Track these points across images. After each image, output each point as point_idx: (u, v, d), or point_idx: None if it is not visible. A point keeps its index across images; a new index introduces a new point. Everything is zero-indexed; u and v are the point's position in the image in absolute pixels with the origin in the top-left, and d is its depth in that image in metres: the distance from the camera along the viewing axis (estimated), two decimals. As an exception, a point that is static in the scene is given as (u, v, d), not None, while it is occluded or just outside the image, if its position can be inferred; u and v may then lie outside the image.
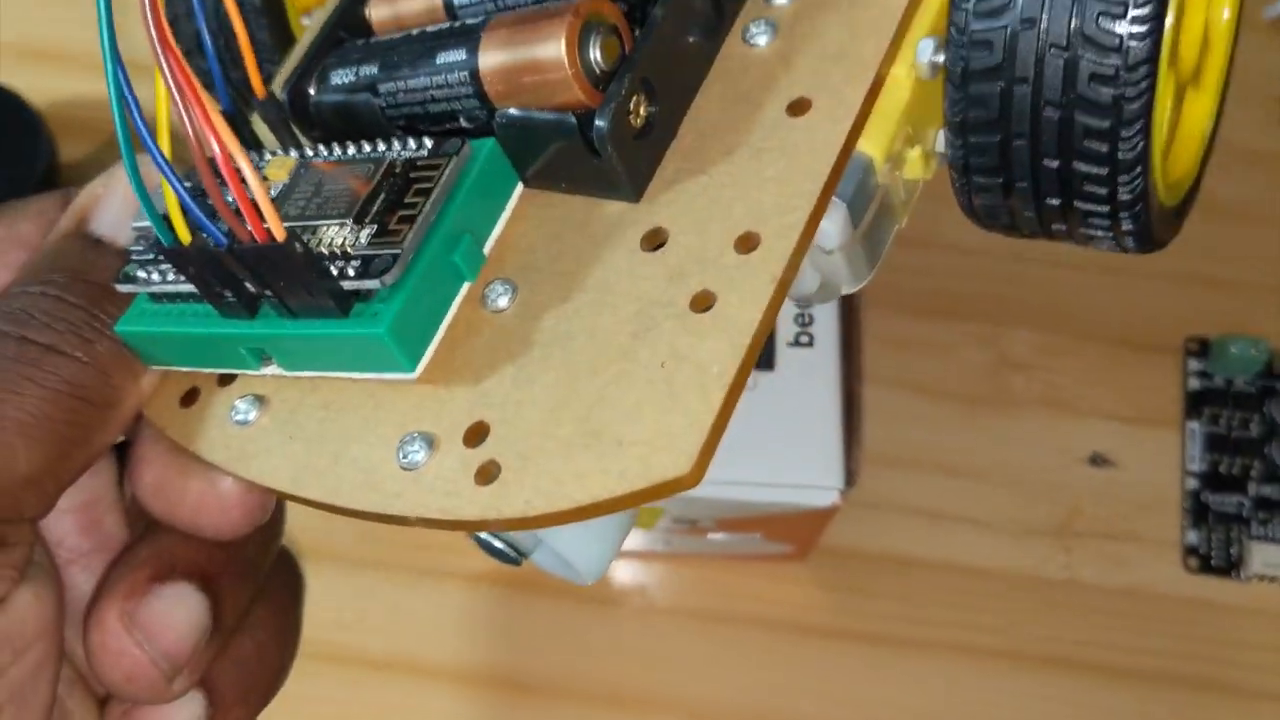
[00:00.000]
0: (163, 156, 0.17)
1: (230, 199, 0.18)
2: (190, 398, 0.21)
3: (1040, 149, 0.18)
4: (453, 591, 0.40)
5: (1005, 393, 0.43)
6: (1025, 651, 0.39)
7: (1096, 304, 0.44)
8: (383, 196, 0.19)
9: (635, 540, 0.39)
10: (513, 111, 0.19)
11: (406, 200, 0.19)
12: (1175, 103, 0.20)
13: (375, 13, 0.22)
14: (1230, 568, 0.40)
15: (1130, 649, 0.39)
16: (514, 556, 0.22)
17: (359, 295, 0.19)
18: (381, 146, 0.20)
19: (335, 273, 0.18)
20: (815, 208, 0.18)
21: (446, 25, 0.21)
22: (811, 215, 0.18)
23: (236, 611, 0.22)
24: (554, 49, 0.19)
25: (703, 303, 0.18)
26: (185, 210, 0.18)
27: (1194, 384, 0.43)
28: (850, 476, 0.33)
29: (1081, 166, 0.18)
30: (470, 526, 0.18)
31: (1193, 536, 0.41)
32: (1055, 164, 0.18)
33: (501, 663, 0.39)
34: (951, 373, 0.43)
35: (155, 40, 0.17)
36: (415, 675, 0.39)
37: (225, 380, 0.21)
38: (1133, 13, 0.17)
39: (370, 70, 0.21)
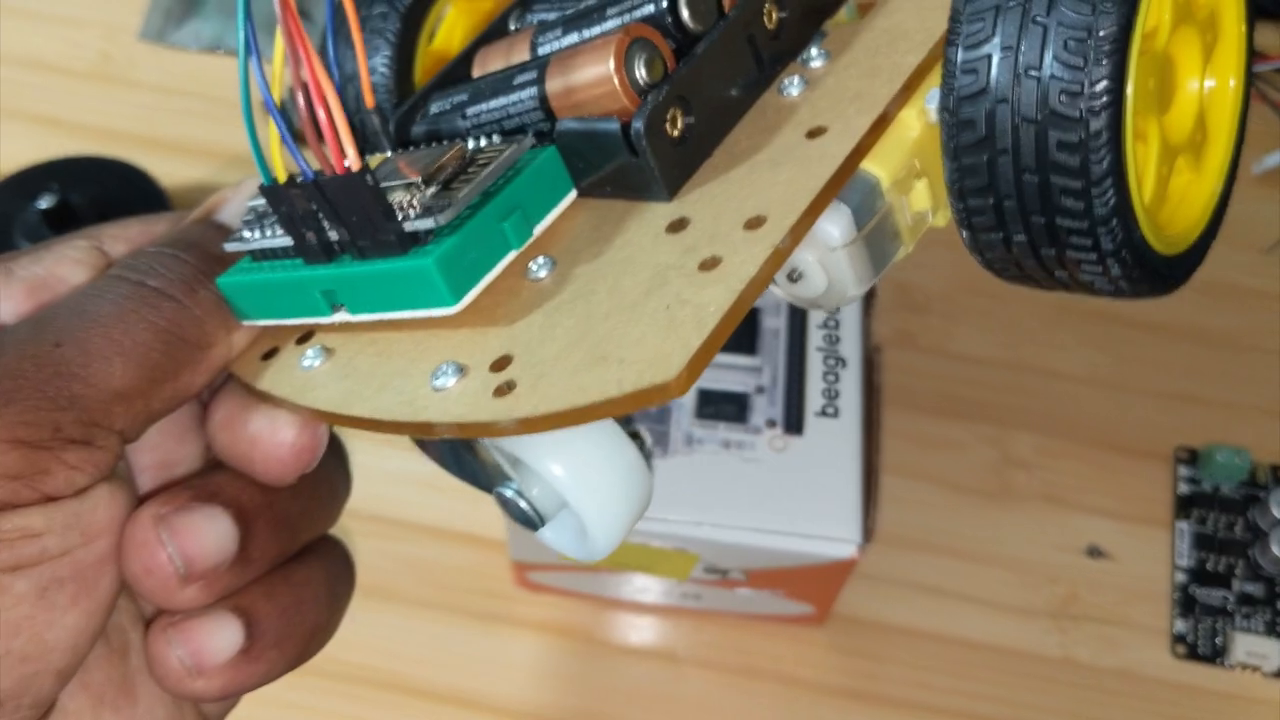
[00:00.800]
0: (271, 98, 0.20)
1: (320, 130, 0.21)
2: (270, 355, 0.24)
3: (1027, 208, 0.21)
4: (503, 635, 0.43)
5: (1009, 488, 0.47)
6: (1023, 721, 0.42)
7: (1095, 413, 0.48)
8: (450, 169, 0.22)
9: (669, 595, 0.42)
10: (569, 121, 0.23)
11: (469, 170, 0.22)
12: (1163, 164, 0.22)
13: (476, 71, 0.27)
14: (1215, 655, 0.43)
15: (1121, 725, 0.42)
16: (534, 518, 0.24)
17: (417, 239, 0.21)
18: (460, 143, 0.23)
19: (400, 216, 0.21)
20: (818, 197, 0.21)
21: (526, 59, 0.25)
22: (814, 202, 0.21)
23: (265, 555, 0.24)
24: (604, 64, 0.22)
25: (710, 265, 0.20)
26: (284, 143, 0.21)
27: (1183, 488, 0.46)
28: (867, 533, 0.37)
29: (1064, 221, 0.21)
30: (482, 429, 0.20)
31: (1181, 625, 0.44)
32: (1042, 220, 0.21)
33: (541, 701, 0.42)
34: (961, 467, 0.47)
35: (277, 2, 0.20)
36: (463, 708, 0.42)
37: (302, 339, 0.24)
38: (1089, 89, 0.20)
39: (461, 98, 0.25)
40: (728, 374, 0.39)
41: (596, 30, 0.25)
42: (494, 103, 0.25)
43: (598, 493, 0.23)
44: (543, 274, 0.22)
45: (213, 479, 0.24)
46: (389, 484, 0.45)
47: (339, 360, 0.23)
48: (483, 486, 0.25)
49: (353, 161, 0.21)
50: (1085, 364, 0.49)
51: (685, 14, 0.23)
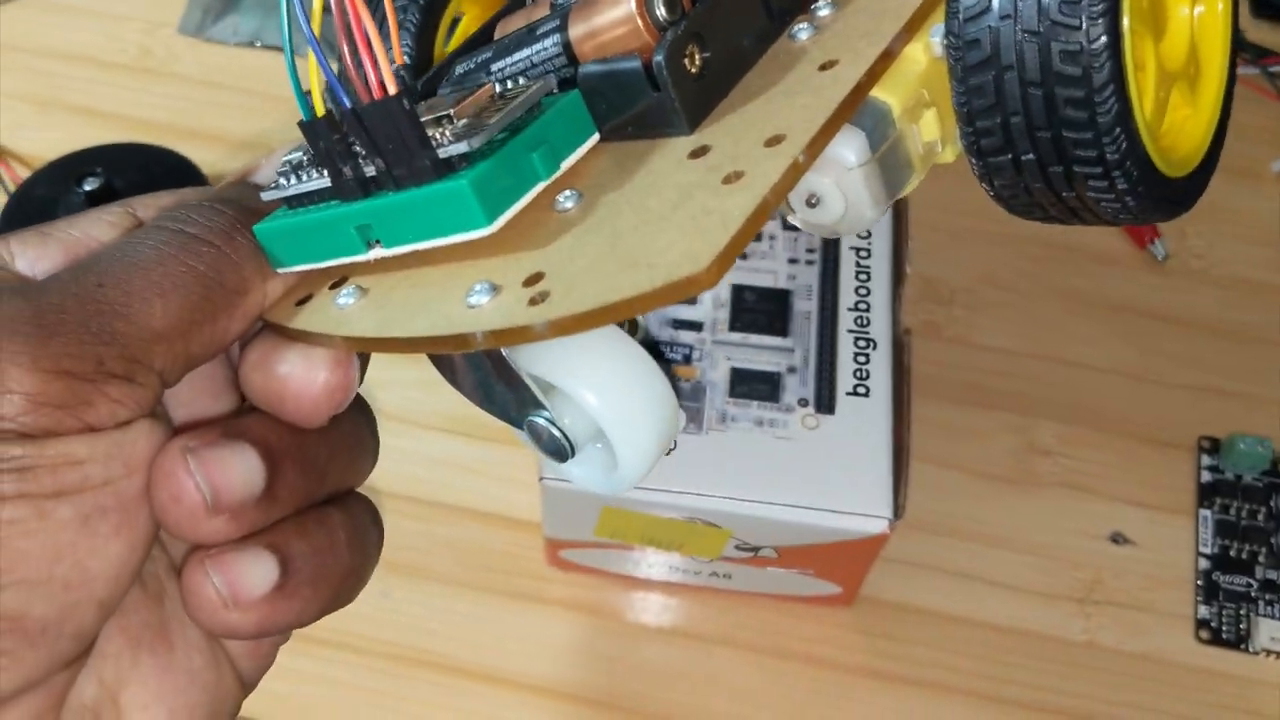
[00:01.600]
0: (312, 33, 0.21)
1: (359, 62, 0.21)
2: (304, 301, 0.24)
3: (1034, 123, 0.21)
4: (535, 614, 0.43)
5: (1033, 475, 0.47)
6: (1046, 704, 0.42)
7: (1118, 403, 0.48)
8: (479, 104, 0.22)
9: (699, 575, 0.42)
10: (591, 64, 0.23)
11: (496, 106, 0.22)
12: (1161, 89, 0.23)
13: (499, 32, 0.27)
14: (1239, 641, 0.43)
15: (1145, 709, 0.42)
16: (565, 448, 0.24)
17: (451, 165, 0.22)
18: (488, 83, 0.23)
19: (434, 143, 0.21)
20: (833, 116, 0.22)
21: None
22: (829, 120, 0.22)
23: (293, 495, 0.24)
24: (626, 3, 0.23)
25: (734, 179, 0.21)
26: (323, 74, 0.21)
27: (1206, 476, 0.46)
28: (898, 510, 0.37)
29: (1070, 134, 0.21)
30: (517, 335, 0.20)
31: (1204, 611, 0.44)
32: (1048, 134, 0.21)
33: (572, 679, 0.42)
34: (985, 455, 0.47)
35: None
36: (495, 685, 0.42)
37: (335, 285, 0.24)
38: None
39: (485, 55, 0.26)
40: (760, 354, 0.39)
41: None
42: (518, 55, 0.25)
43: (630, 419, 0.23)
44: (569, 205, 0.22)
45: (242, 419, 0.24)
46: (427, 466, 0.45)
47: (374, 296, 0.23)
48: (513, 420, 0.25)
49: (390, 86, 0.21)
50: (1108, 356, 0.50)
51: None
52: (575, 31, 0.24)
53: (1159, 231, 0.52)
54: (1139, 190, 0.22)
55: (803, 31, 0.25)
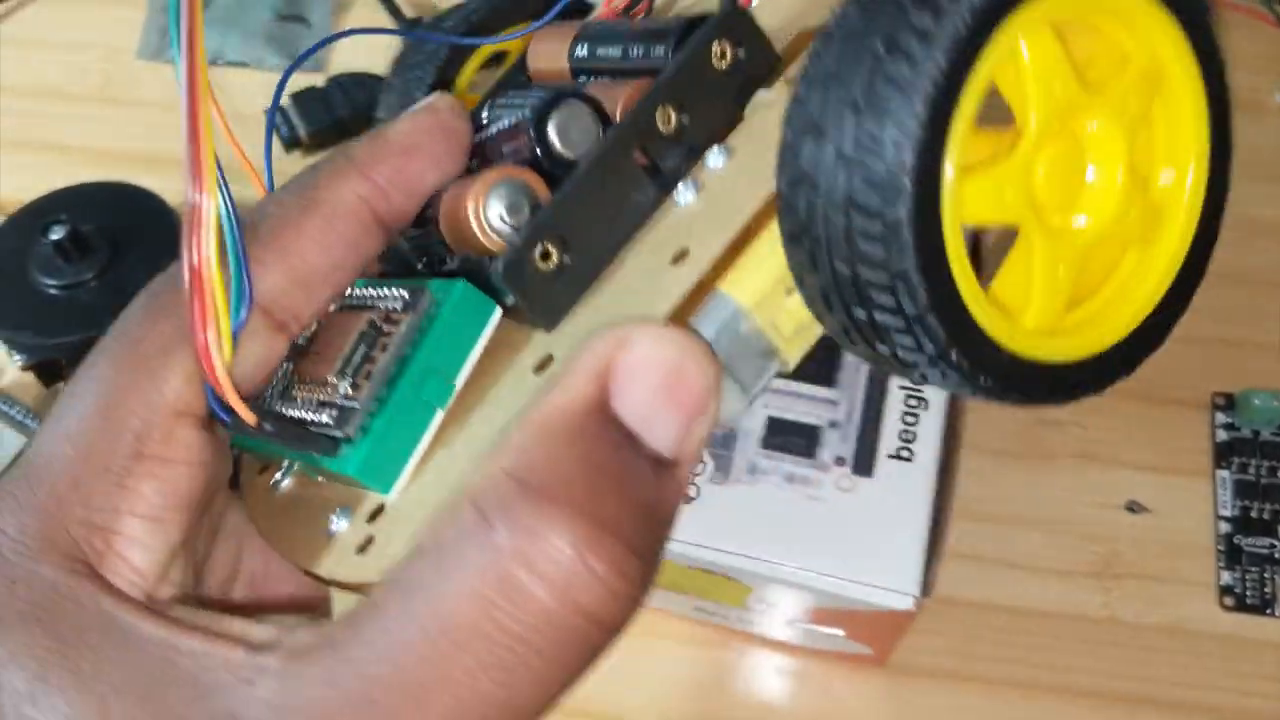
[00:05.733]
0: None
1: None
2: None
3: (847, 301, 0.17)
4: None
5: (1043, 448, 0.43)
6: (1069, 686, 0.39)
7: (1127, 364, 0.44)
8: (362, 349, 0.19)
9: (726, 617, 0.38)
10: (458, 259, 0.21)
11: (374, 354, 0.19)
12: (1062, 263, 0.19)
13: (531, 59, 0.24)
14: (1265, 605, 0.40)
15: (1172, 682, 0.39)
16: None
17: (347, 437, 0.19)
18: (377, 291, 0.20)
19: (322, 423, 0.19)
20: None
21: None
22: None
23: None
24: (465, 208, 0.20)
25: None
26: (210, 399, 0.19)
27: (1222, 435, 0.42)
28: (927, 587, 0.32)
29: (881, 317, 0.17)
30: (346, 588, 0.20)
31: (1227, 577, 0.40)
32: (863, 314, 0.17)
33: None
34: (993, 430, 0.43)
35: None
36: None
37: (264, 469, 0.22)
38: (889, 179, 0.16)
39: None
40: (801, 404, 0.34)
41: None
42: (413, 230, 0.22)
43: None
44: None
45: None
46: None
47: (293, 488, 0.22)
48: None
49: (246, 417, 0.19)
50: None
51: (557, 144, 0.20)
52: (443, 223, 0.21)
53: (1160, 175, 0.46)
54: (981, 382, 0.17)
55: (688, 193, 0.20)
